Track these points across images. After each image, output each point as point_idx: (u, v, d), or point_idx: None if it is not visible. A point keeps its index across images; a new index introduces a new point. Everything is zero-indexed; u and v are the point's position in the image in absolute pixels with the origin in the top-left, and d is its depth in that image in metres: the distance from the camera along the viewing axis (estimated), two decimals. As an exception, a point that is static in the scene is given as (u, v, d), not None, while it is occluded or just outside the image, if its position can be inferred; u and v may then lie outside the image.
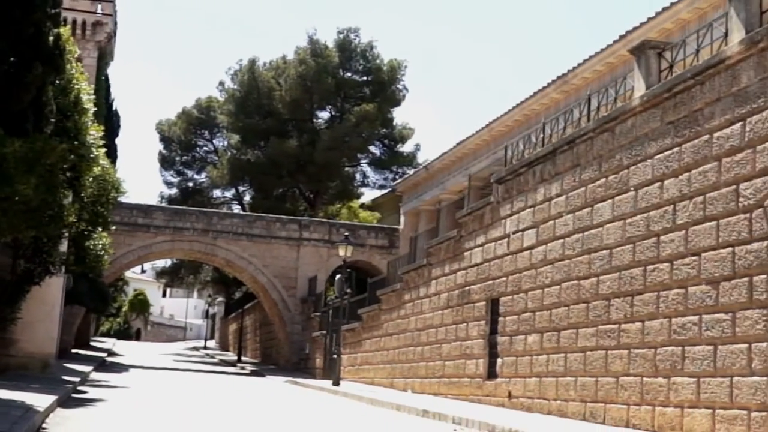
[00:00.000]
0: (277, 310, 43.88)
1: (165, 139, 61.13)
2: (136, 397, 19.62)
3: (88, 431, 11.72)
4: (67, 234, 21.04)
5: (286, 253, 43.76)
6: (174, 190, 61.53)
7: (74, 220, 18.80)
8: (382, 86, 55.47)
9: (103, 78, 39.89)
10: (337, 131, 53.79)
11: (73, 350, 39.75)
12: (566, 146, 17.95)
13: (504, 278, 20.04)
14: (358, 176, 59.62)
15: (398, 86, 56.38)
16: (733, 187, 12.87)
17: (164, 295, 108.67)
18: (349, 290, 32.72)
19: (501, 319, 19.99)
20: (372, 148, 57.95)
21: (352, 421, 16.69)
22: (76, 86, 18.30)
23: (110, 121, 39.29)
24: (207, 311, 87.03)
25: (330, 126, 55.85)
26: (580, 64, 25.86)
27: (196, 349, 74.08)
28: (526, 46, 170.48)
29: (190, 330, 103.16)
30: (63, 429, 11.61)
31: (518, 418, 16.13)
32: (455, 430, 15.48)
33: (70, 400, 16.61)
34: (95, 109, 20.43)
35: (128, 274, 71.46)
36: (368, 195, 58.35)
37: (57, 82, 16.42)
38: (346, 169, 57.49)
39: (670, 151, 14.46)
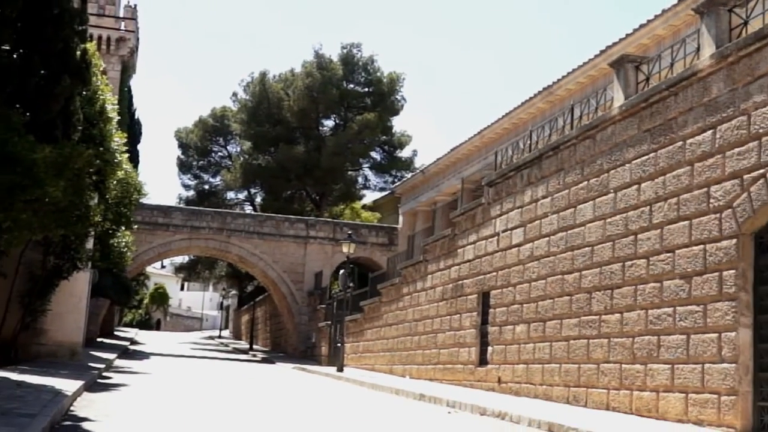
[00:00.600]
0: (286, 302, 43.93)
1: (183, 146, 61.22)
2: (157, 382, 19.62)
3: (113, 413, 11.71)
4: (93, 232, 21.08)
5: (294, 250, 43.81)
6: (191, 192, 61.66)
7: (100, 219, 18.80)
8: (383, 97, 55.58)
9: (126, 89, 39.93)
10: (341, 138, 53.88)
11: (99, 339, 39.78)
12: (551, 152, 17.96)
13: (494, 273, 20.05)
14: (360, 179, 59.77)
15: (397, 97, 56.53)
16: (705, 189, 12.88)
17: (182, 288, 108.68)
18: (351, 284, 32.75)
19: (491, 310, 20.00)
20: (373, 154, 58.08)
21: (355, 404, 16.70)
22: (101, 97, 18.32)
23: (133, 129, 39.32)
24: (221, 303, 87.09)
25: (334, 133, 55.92)
26: (564, 77, 25.89)
27: (211, 338, 74.14)
28: (515, 59, 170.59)
29: (206, 321, 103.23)
30: (89, 411, 11.61)
31: (507, 402, 16.16)
32: (449, 412, 15.48)
33: (95, 385, 16.63)
34: (119, 117, 20.47)
35: (149, 269, 71.44)
36: (369, 197, 58.48)
37: (84, 93, 16.43)
38: (349, 173, 57.58)
39: (646, 157, 14.47)
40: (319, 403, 16.63)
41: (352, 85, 56.36)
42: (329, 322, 36.72)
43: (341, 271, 33.88)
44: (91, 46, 16.71)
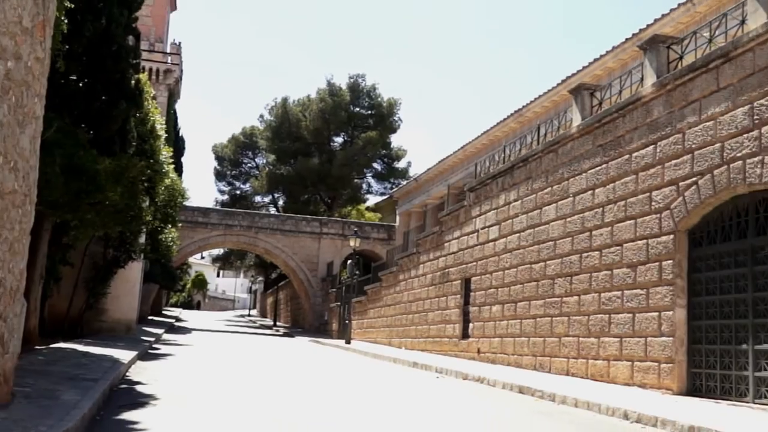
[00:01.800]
0: (303, 287, 43.89)
1: (219, 158, 61.15)
2: (198, 352, 19.61)
3: (161, 378, 11.73)
4: (145, 229, 21.11)
5: (310, 244, 43.76)
6: (225, 197, 61.54)
7: (150, 219, 18.84)
8: (383, 118, 55.56)
9: (172, 112, 39.80)
10: (349, 152, 53.90)
11: (149, 317, 39.75)
12: (521, 163, 17.96)
13: (474, 263, 20.05)
14: (364, 186, 59.64)
15: (395, 118, 56.45)
16: (647, 194, 12.89)
17: (218, 275, 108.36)
18: (357, 272, 32.74)
19: (472, 293, 20.00)
20: (375, 165, 57.99)
21: (360, 369, 16.69)
22: (151, 118, 18.35)
23: (177, 145, 39.21)
24: (250, 288, 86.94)
25: (343, 148, 55.89)
26: (531, 101, 25.88)
27: (242, 316, 73.99)
28: (491, 86, 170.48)
29: (238, 302, 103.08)
30: (142, 377, 11.63)
31: (485, 369, 16.16)
32: (438, 377, 15.49)
33: (147, 354, 16.64)
34: (166, 135, 20.49)
35: (191, 259, 71.16)
36: (372, 200, 58.32)
37: (137, 115, 16.46)
38: (355, 180, 57.51)
39: (599, 167, 14.48)
40: (332, 369, 16.63)
41: (357, 109, 56.30)
42: (339, 303, 36.69)
43: (349, 261, 33.86)
44: (143, 77, 16.73)
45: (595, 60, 21.88)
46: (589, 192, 14.72)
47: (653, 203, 12.70)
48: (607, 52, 21.35)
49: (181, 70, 40.93)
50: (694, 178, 11.75)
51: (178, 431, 6.95)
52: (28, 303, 13.61)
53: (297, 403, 9.73)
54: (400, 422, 8.33)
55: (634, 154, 13.36)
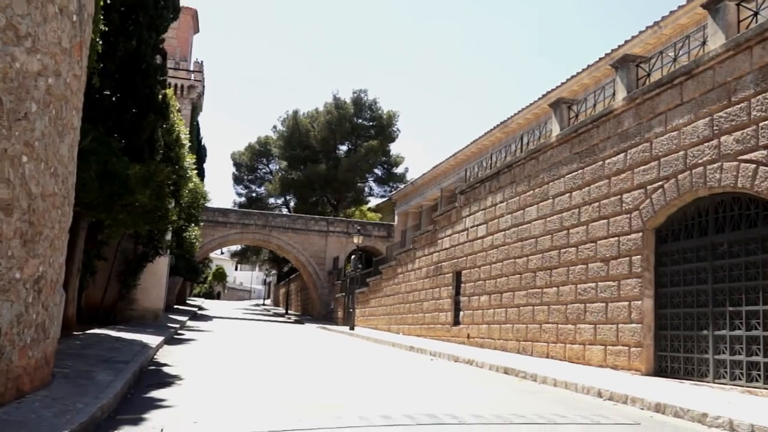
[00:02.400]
0: (312, 279, 43.89)
1: (236, 164, 61.15)
2: (218, 337, 19.60)
3: (185, 360, 11.73)
4: (171, 228, 21.13)
5: (318, 241, 43.76)
6: (243, 199, 61.51)
7: (176, 218, 18.86)
8: (383, 129, 55.60)
9: (195, 123, 39.82)
10: (353, 159, 53.90)
11: (175, 306, 39.74)
12: (506, 169, 17.97)
13: (464, 258, 20.06)
14: (366, 189, 59.60)
15: (394, 128, 56.47)
16: (619, 196, 12.90)
17: (236, 269, 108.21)
18: (360, 266, 32.73)
19: (462, 285, 20.01)
20: (376, 170, 58.00)
21: (363, 352, 16.68)
22: (176, 129, 18.37)
23: (200, 152, 39.23)
24: (265, 280, 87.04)
25: (347, 155, 55.90)
26: (515, 114, 25.88)
27: (257, 305, 73.99)
28: (479, 100, 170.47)
29: (254, 293, 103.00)
30: (168, 359, 11.63)
31: (474, 352, 16.16)
32: (432, 359, 15.49)
33: (172, 339, 16.64)
34: (189, 144, 20.50)
35: (212, 255, 70.98)
36: (373, 202, 58.32)
37: (164, 126, 16.48)
38: (359, 184, 57.51)
39: (576, 172, 14.48)
40: (338, 353, 16.62)
41: (360, 120, 56.34)
42: (344, 294, 36.70)
43: (353, 256, 33.86)
44: (169, 92, 16.75)
45: (572, 77, 21.89)
46: (567, 195, 14.73)
47: (624, 204, 12.71)
48: (583, 70, 21.37)
49: (204, 86, 40.92)
50: (660, 182, 11.76)
51: (202, 407, 6.95)
52: (67, 293, 13.63)
53: (308, 382, 9.73)
54: (401, 399, 8.33)
55: (607, 161, 13.38)
